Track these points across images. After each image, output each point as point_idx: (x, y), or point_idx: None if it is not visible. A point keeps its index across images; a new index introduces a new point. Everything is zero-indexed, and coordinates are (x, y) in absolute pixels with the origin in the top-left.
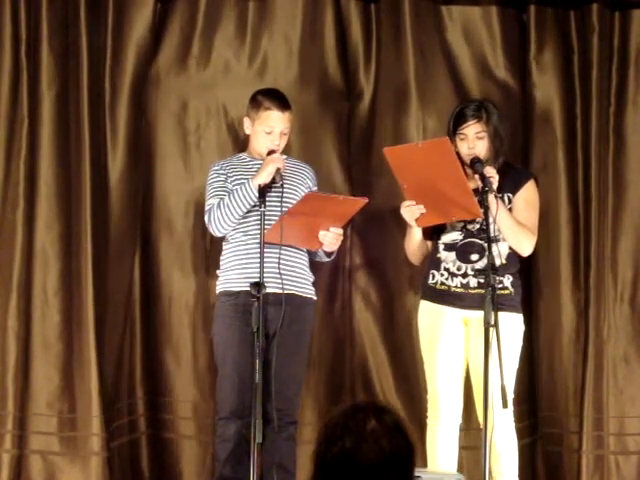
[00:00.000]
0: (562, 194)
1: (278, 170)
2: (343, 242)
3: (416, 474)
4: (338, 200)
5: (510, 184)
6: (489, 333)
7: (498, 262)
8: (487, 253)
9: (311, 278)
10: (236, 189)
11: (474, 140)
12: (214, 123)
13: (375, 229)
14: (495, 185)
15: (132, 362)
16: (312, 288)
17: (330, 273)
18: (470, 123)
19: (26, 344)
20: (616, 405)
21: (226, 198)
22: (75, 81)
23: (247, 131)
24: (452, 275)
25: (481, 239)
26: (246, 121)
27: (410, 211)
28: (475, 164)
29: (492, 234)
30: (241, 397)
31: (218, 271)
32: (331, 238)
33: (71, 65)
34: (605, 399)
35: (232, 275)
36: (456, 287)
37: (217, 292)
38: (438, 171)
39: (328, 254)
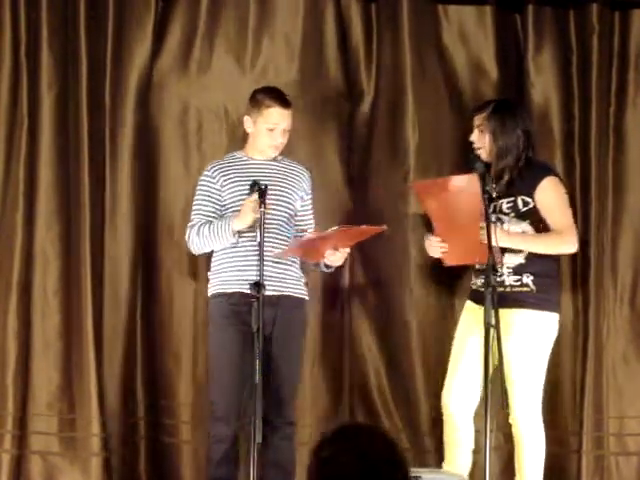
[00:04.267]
0: None
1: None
2: None
3: (416, 474)
4: (361, 230)
5: (524, 186)
6: (489, 333)
7: (517, 261)
8: (489, 254)
9: (303, 278)
10: (217, 224)
11: (476, 130)
12: (215, 125)
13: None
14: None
15: (132, 365)
16: (304, 288)
17: (328, 276)
18: (474, 114)
19: (26, 344)
20: (616, 405)
21: (205, 229)
22: (75, 82)
23: (248, 130)
24: (477, 273)
25: None
26: (247, 120)
27: (434, 248)
28: (474, 163)
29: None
30: (234, 398)
31: (209, 273)
32: (338, 257)
33: (71, 66)
34: (605, 399)
35: (225, 277)
36: (478, 286)
37: (209, 294)
38: (462, 207)
39: (327, 266)
